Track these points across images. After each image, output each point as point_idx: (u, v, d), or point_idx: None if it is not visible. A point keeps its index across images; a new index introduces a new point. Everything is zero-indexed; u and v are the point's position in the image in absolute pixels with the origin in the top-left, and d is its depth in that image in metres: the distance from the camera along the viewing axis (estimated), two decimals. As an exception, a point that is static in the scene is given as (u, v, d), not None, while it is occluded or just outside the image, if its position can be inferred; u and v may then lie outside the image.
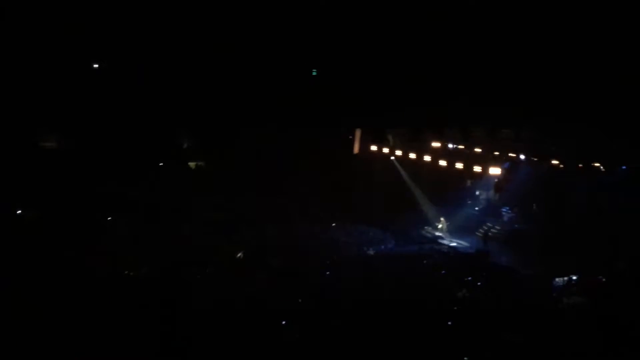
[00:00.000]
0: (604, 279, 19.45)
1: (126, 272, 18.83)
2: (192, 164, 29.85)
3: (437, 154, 26.84)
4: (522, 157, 24.26)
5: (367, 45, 17.83)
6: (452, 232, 26.99)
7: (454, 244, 25.18)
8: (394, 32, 17.95)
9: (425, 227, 27.65)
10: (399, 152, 28.42)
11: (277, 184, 28.19)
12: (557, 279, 19.76)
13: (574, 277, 19.73)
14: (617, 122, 18.78)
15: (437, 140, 26.58)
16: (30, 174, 24.02)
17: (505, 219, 26.72)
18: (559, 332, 14.62)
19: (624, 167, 22.25)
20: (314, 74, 18.40)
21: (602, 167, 22.31)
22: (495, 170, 24.60)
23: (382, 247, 24.70)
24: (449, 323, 15.43)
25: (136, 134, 23.09)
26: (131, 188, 25.57)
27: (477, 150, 25.78)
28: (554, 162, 23.20)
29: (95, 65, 18.13)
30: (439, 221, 27.16)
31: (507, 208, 26.88)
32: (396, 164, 29.31)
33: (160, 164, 28.28)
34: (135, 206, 25.23)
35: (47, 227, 21.68)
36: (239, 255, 21.80)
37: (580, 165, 22.72)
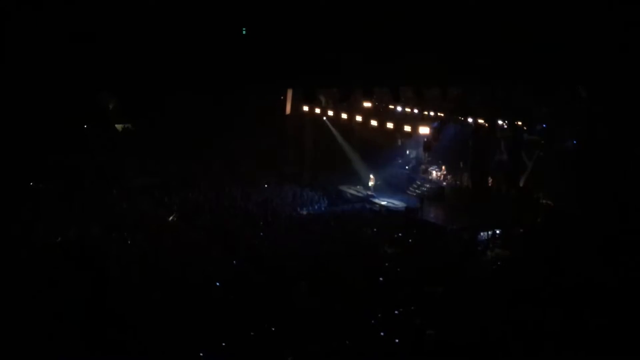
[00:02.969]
0: (522, 231, 20.59)
1: (56, 239, 18.28)
2: (119, 127, 28.78)
3: (368, 114, 27.12)
4: (449, 116, 24.88)
5: (298, 2, 17.59)
6: (383, 190, 27.54)
7: (384, 203, 25.74)
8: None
9: (357, 187, 28.09)
10: (330, 113, 28.52)
11: (208, 146, 27.75)
12: (481, 233, 20.70)
13: (497, 231, 20.74)
14: (539, 82, 19.50)
15: (368, 100, 26.80)
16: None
17: (433, 176, 27.49)
18: (478, 283, 15.43)
19: (544, 125, 23.25)
20: (244, 32, 17.96)
21: (524, 126, 23.18)
22: (424, 130, 25.12)
23: (315, 207, 24.97)
24: (380, 279, 15.97)
25: (57, 94, 21.89)
26: (55, 153, 24.48)
27: (407, 110, 26.21)
28: (480, 120, 23.90)
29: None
30: (369, 178, 27.61)
31: (436, 166, 27.65)
32: (328, 124, 29.45)
33: (85, 126, 27.08)
34: (61, 172, 24.25)
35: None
36: (170, 218, 21.53)
37: (503, 123, 23.56)
